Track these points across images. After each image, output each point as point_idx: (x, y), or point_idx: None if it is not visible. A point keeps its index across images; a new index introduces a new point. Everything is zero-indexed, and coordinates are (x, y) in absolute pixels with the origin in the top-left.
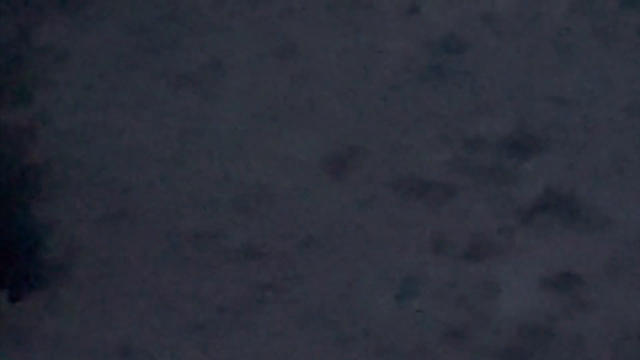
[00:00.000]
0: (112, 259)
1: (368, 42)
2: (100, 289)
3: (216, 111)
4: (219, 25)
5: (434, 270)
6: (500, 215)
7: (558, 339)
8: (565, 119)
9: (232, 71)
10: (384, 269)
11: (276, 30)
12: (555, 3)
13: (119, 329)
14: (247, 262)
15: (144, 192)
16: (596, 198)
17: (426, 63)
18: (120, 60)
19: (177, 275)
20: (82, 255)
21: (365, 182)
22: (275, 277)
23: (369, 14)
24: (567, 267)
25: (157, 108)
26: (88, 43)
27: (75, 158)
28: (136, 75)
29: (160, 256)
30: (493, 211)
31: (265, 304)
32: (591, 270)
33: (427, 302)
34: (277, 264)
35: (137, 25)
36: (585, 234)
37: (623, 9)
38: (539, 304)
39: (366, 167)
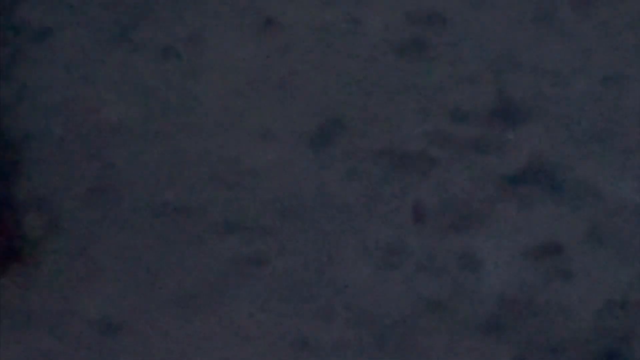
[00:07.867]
0: (94, 235)
1: (347, 15)
2: (82, 265)
3: (196, 86)
4: None
5: (415, 242)
6: (482, 187)
7: (540, 309)
8: (546, 90)
9: (211, 45)
10: (364, 241)
11: (254, 4)
12: None
13: (100, 303)
14: (228, 236)
15: (124, 167)
16: (578, 168)
17: (406, 35)
18: (100, 36)
19: (159, 250)
20: (63, 230)
21: (346, 155)
22: (256, 251)
23: None
24: (549, 237)
25: (137, 83)
26: (67, 19)
27: (56, 134)
28: (116, 50)
29: (142, 231)
30: (474, 182)
31: (247, 278)
32: (573, 241)
33: (408, 273)
34: (258, 237)
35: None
36: (567, 204)
37: None
38: (521, 274)
39: (346, 139)
